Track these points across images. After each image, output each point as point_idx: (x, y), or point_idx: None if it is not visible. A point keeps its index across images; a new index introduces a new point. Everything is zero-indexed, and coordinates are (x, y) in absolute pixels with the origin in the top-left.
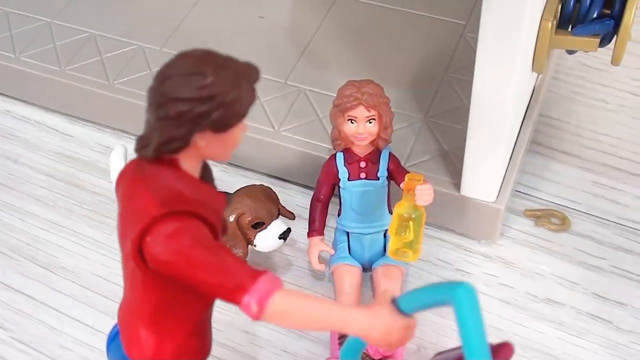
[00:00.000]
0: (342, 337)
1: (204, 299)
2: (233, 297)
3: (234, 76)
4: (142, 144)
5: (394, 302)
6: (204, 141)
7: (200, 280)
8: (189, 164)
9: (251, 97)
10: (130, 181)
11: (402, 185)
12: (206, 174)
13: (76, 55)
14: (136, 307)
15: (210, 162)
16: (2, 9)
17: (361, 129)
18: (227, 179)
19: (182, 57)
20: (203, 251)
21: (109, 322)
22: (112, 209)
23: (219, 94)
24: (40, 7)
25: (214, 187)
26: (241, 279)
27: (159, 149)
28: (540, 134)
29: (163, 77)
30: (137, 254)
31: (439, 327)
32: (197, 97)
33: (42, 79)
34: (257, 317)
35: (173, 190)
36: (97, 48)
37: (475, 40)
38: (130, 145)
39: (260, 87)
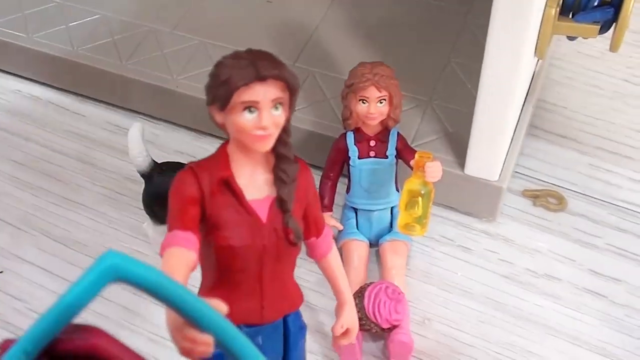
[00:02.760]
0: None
1: (208, 246)
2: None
3: (239, 65)
4: None
5: None
6: (219, 117)
7: None
8: (232, 145)
9: (237, 84)
10: None
11: (411, 162)
12: (277, 175)
13: (88, 36)
14: None
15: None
16: None
17: (372, 109)
18: None
19: None
20: (173, 191)
21: (122, 293)
22: (123, 185)
23: (217, 74)
24: None
25: (280, 189)
26: (171, 222)
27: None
28: (538, 117)
29: None
30: None
31: (443, 300)
32: (210, 73)
33: (54, 59)
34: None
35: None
36: (109, 29)
37: (477, 26)
38: (144, 124)
39: None
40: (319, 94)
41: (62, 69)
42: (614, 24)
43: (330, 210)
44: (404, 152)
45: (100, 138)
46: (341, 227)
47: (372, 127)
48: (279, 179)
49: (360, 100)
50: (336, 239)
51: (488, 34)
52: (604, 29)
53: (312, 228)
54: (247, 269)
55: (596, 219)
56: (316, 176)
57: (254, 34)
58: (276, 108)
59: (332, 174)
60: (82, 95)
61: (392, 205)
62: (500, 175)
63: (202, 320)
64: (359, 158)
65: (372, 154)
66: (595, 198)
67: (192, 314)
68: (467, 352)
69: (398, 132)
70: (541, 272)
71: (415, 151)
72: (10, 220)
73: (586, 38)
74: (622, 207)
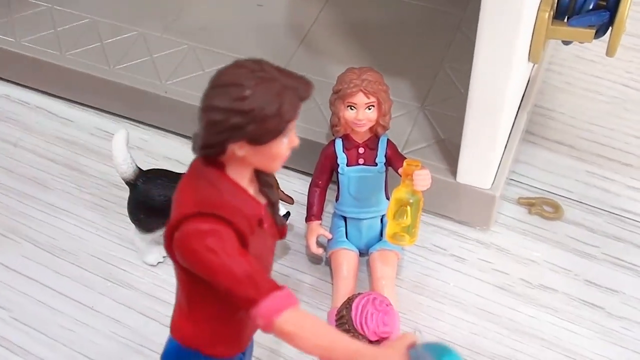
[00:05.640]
0: (339, 319)
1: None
2: (244, 306)
3: (277, 91)
4: (193, 143)
5: (410, 351)
6: (242, 151)
7: (217, 283)
8: (233, 170)
9: (291, 114)
10: (185, 177)
11: (400, 170)
12: (263, 180)
13: (77, 40)
14: (178, 296)
15: None
16: None
17: (360, 116)
18: None
19: (234, 66)
20: (220, 256)
21: (108, 302)
22: (110, 192)
23: (254, 108)
24: None
25: (270, 194)
26: (252, 292)
27: (201, 152)
28: (534, 123)
29: (211, 84)
30: (169, 247)
31: (435, 311)
32: (231, 108)
33: (42, 64)
34: (265, 330)
35: (209, 193)
36: (98, 34)
37: (471, 30)
38: (131, 130)
39: None
40: (308, 100)
41: (50, 73)
42: (610, 27)
43: (319, 218)
44: (394, 160)
45: (88, 144)
46: (330, 236)
47: (361, 134)
48: (266, 184)
49: (348, 106)
50: (325, 248)
51: (477, 38)
52: (599, 33)
53: None
54: None
55: (593, 227)
56: (305, 183)
57: (244, 38)
58: None
59: (320, 182)
60: (70, 100)
61: (382, 214)
62: (493, 183)
63: None
64: (347, 165)
65: (360, 161)
66: (592, 206)
67: None
68: None
69: (388, 139)
70: (536, 282)
71: (406, 159)
72: None
73: (582, 42)
74: (620, 215)
